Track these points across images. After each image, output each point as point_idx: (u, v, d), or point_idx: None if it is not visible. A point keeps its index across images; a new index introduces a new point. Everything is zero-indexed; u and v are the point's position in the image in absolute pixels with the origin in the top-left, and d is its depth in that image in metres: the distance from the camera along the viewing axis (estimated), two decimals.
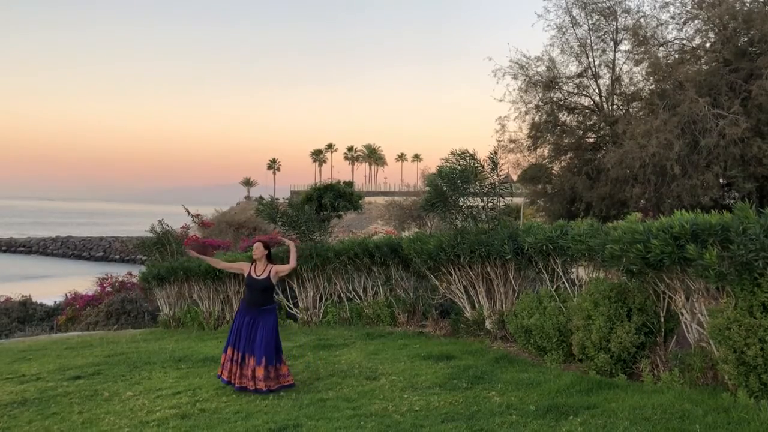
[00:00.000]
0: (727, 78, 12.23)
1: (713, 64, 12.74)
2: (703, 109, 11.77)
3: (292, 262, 7.17)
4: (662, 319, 6.33)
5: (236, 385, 6.70)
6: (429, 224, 27.96)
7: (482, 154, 9.03)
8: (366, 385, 6.66)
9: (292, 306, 11.96)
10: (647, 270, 5.95)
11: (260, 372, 6.61)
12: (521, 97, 15.85)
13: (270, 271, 6.94)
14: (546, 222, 13.24)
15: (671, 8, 13.79)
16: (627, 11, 14.86)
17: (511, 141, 16.33)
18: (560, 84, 15.70)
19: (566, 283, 7.73)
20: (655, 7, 14.28)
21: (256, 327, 6.77)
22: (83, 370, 8.25)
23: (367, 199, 41.84)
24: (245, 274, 7.02)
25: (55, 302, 21.38)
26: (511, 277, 8.57)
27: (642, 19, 14.44)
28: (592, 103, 15.77)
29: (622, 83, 15.33)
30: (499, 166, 9.02)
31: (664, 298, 6.26)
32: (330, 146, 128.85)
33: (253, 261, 7.07)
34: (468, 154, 8.88)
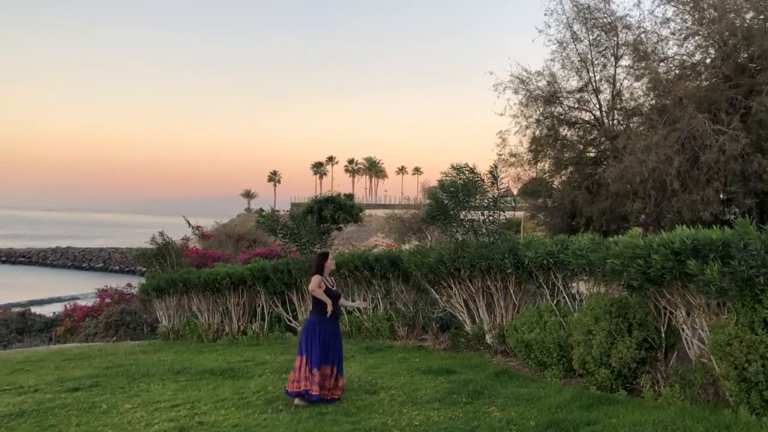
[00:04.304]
0: (727, 94, 12.26)
1: (713, 80, 12.77)
2: (703, 124, 11.80)
3: None
4: (663, 335, 6.31)
5: (315, 394, 6.55)
6: (429, 237, 27.96)
7: (483, 168, 9.08)
8: (365, 399, 6.63)
9: (291, 319, 11.93)
10: (648, 285, 5.94)
11: (342, 380, 6.81)
12: (522, 111, 15.91)
13: (334, 280, 7.17)
14: (546, 236, 13.23)
15: (672, 24, 13.84)
16: (628, 27, 14.93)
17: (512, 155, 16.36)
18: (561, 99, 15.75)
19: (567, 298, 7.71)
20: (655, 23, 14.33)
21: (337, 337, 6.92)
22: (81, 382, 8.21)
23: (367, 211, 41.96)
24: (324, 288, 6.91)
25: (53, 313, 21.37)
26: (511, 291, 8.55)
27: (643, 35, 14.51)
28: (592, 117, 15.82)
29: (623, 98, 15.38)
30: (499, 179, 9.03)
31: (665, 314, 6.25)
32: (331, 159, 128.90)
33: (321, 273, 6.97)
34: (467, 168, 8.90)
